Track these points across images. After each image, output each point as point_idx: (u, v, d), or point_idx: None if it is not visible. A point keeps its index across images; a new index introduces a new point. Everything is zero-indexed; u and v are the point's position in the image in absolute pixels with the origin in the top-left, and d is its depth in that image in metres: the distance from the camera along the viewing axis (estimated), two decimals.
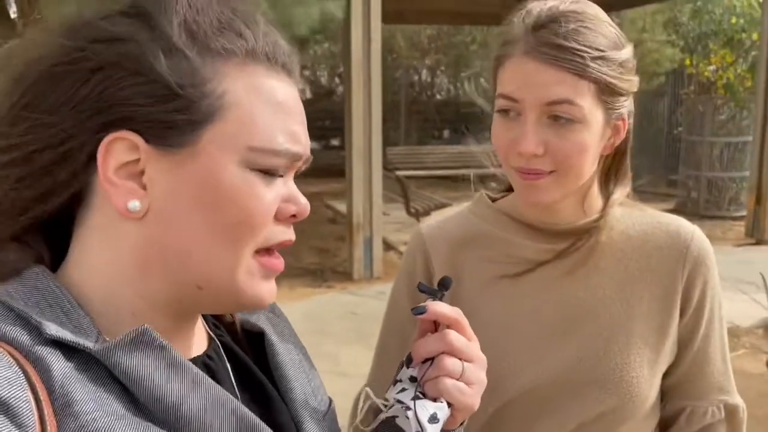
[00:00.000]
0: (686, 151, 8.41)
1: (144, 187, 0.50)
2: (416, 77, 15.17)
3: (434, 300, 0.64)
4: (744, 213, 7.26)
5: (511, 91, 0.83)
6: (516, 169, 0.85)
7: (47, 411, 0.44)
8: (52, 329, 0.47)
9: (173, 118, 0.49)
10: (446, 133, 14.18)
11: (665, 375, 0.94)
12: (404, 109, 13.77)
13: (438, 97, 15.43)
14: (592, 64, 0.80)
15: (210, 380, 0.50)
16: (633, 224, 0.93)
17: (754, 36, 8.02)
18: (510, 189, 0.96)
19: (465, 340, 0.63)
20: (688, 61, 8.51)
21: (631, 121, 0.90)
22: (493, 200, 0.99)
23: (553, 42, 0.80)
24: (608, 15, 0.87)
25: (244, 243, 0.51)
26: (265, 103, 0.51)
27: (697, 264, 0.92)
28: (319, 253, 6.49)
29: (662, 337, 0.91)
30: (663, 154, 10.21)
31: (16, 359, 0.45)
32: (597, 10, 0.84)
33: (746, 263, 5.23)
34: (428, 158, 10.74)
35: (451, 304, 0.93)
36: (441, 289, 0.65)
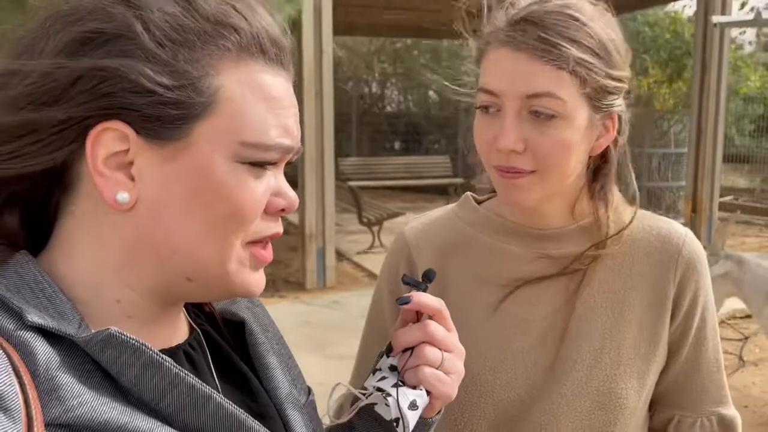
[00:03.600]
0: None
1: (132, 179, 0.49)
2: (366, 89, 15.26)
3: (418, 291, 0.65)
4: (681, 221, 7.58)
5: (491, 84, 0.79)
6: (496, 168, 0.81)
7: (32, 395, 0.43)
8: (34, 316, 0.46)
9: (166, 112, 0.48)
10: (397, 145, 14.30)
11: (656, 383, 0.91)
12: (355, 120, 13.84)
13: (388, 109, 15.56)
14: (577, 58, 0.76)
15: (190, 378, 0.50)
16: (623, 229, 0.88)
17: (687, 54, 8.45)
18: (495, 191, 0.92)
19: (444, 331, 0.64)
20: None
21: (623, 122, 0.85)
22: (479, 202, 0.95)
23: (534, 33, 0.76)
24: None
25: (234, 236, 0.51)
26: (259, 98, 0.51)
27: (688, 269, 0.88)
28: (272, 264, 6.36)
29: (653, 345, 0.88)
30: None
31: None
32: (586, 4, 0.80)
33: None
34: (380, 169, 10.83)
35: None
36: (425, 281, 0.66)
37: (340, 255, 6.46)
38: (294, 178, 5.84)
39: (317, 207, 5.62)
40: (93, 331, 0.48)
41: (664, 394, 0.92)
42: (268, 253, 0.55)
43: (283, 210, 0.54)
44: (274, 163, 0.53)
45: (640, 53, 9.06)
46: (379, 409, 0.62)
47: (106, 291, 0.52)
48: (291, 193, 0.55)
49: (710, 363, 0.92)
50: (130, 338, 0.48)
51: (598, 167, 0.88)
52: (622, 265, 0.88)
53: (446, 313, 0.65)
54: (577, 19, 0.77)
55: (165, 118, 0.49)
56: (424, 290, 0.66)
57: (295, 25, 5.41)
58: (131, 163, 0.50)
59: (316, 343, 4.33)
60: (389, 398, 0.60)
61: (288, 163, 0.56)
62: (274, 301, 5.35)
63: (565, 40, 0.76)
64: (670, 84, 8.25)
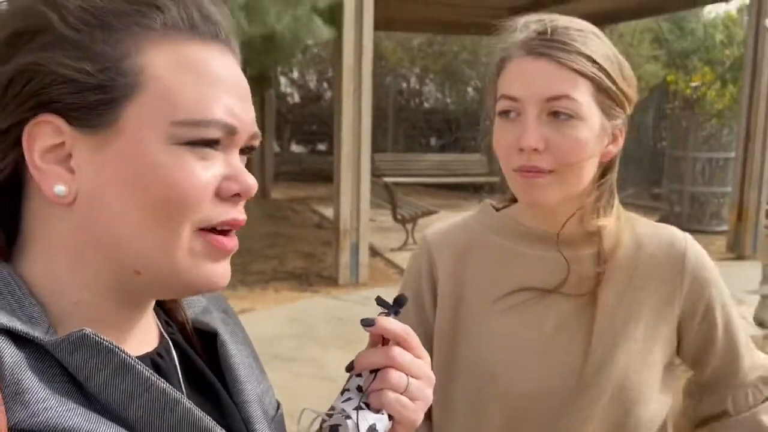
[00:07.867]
0: (670, 165, 8.52)
1: (72, 172, 0.49)
2: (405, 84, 15.21)
3: (387, 315, 0.64)
4: (724, 228, 7.36)
5: (512, 90, 0.87)
6: (517, 169, 0.88)
7: None
8: (3, 319, 0.46)
9: (89, 98, 0.48)
10: (433, 141, 14.23)
11: (697, 375, 1.01)
12: (392, 115, 13.81)
13: (426, 105, 15.49)
14: (591, 65, 0.85)
15: (161, 383, 0.49)
16: (628, 234, 0.95)
17: (735, 52, 8.16)
18: (514, 200, 0.99)
19: (410, 357, 0.62)
20: (670, 78, 8.62)
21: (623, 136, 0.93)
22: (497, 210, 1.02)
23: (554, 43, 0.85)
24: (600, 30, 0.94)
25: (178, 222, 0.49)
26: (189, 74, 0.49)
27: (696, 270, 0.95)
28: (305, 258, 6.48)
29: (659, 341, 0.94)
30: (647, 167, 10.33)
31: None
32: (594, 28, 0.90)
33: (726, 277, 5.29)
34: (416, 165, 10.78)
35: (455, 315, 0.98)
36: (395, 306, 0.65)
37: (373, 251, 6.45)
38: (328, 171, 5.85)
39: (352, 202, 5.61)
40: (59, 335, 0.48)
41: (713, 382, 1.00)
42: (228, 241, 0.52)
43: (238, 195, 0.52)
44: (217, 141, 0.50)
45: (687, 53, 8.80)
46: (343, 430, 0.61)
47: (63, 293, 0.51)
48: (248, 177, 0.52)
49: (743, 343, 1.00)
50: (103, 340, 0.48)
51: (600, 176, 0.95)
52: (628, 267, 0.95)
53: (413, 340, 0.63)
54: (590, 35, 0.88)
55: (90, 104, 0.48)
56: (395, 314, 0.64)
57: (337, 21, 5.40)
58: (70, 156, 0.49)
59: (345, 339, 4.32)
60: (348, 421, 0.60)
61: (250, 150, 0.54)
62: (306, 295, 5.37)
63: (582, 47, 0.85)
64: (724, 86, 7.97)
